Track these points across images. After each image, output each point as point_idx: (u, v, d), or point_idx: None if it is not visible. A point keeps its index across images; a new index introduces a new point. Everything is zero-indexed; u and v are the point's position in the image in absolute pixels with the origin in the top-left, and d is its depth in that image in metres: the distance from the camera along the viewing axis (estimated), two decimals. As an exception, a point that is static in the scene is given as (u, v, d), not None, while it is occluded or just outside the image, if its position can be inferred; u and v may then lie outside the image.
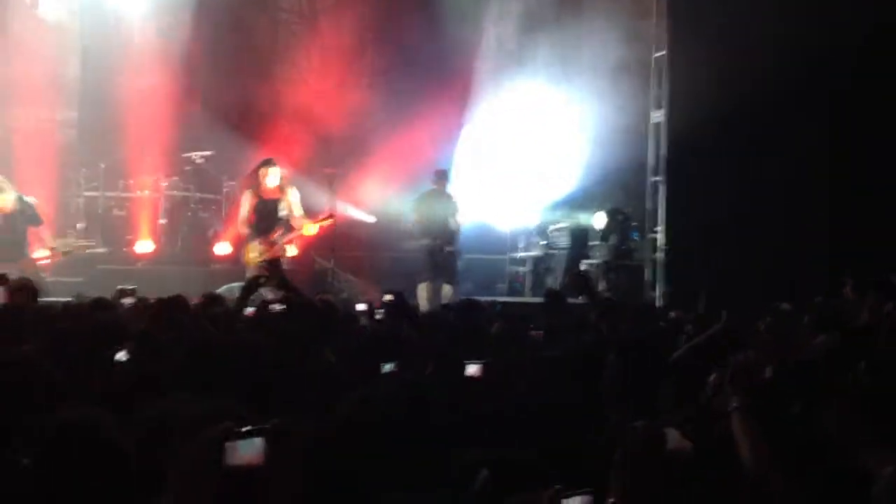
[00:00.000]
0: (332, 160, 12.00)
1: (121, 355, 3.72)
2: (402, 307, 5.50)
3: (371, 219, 11.74)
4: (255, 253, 9.44)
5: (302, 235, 9.62)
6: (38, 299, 5.65)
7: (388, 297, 5.62)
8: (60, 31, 12.02)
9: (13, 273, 6.74)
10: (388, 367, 3.59)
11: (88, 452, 2.33)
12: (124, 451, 2.37)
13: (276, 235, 9.47)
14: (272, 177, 9.46)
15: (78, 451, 2.34)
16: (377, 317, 5.73)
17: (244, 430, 2.08)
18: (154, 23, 11.93)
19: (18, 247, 8.76)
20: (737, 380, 3.00)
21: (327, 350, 4.34)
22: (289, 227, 9.49)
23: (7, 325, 4.33)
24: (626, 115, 11.72)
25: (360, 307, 6.09)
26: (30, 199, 9.67)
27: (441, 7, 12.51)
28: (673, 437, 2.54)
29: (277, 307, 5.61)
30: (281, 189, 9.51)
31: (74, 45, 12.15)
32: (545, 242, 12.21)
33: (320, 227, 9.68)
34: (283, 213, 9.49)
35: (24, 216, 9.05)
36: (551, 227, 12.17)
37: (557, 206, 12.39)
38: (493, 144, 12.78)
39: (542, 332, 5.00)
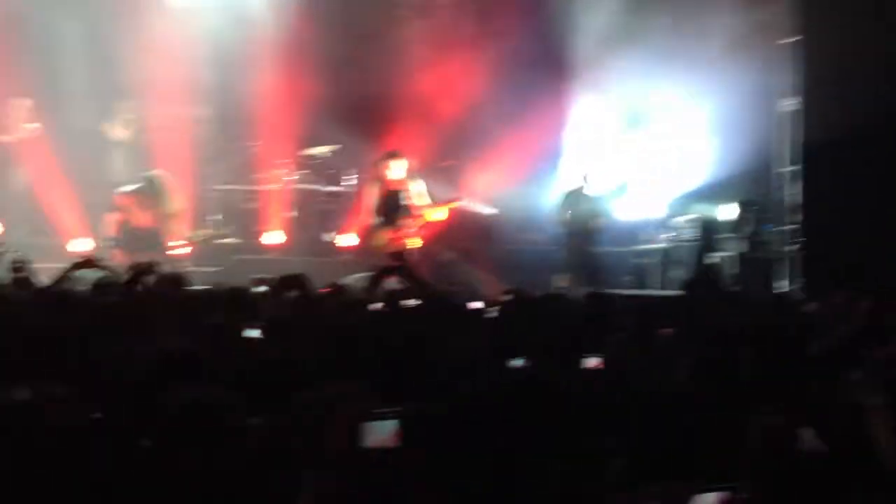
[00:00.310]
0: (451, 152, 12.11)
1: (253, 332, 3.85)
2: (524, 303, 5.49)
3: (491, 210, 11.78)
4: (381, 242, 9.66)
5: (428, 223, 9.81)
6: (183, 288, 5.95)
7: (506, 297, 5.64)
8: (191, 28, 12.53)
9: (164, 266, 7.13)
10: (515, 363, 3.62)
11: (209, 432, 2.34)
12: (250, 432, 2.41)
13: (401, 225, 9.67)
14: (396, 168, 9.67)
15: (198, 430, 2.34)
16: (492, 314, 5.72)
17: (379, 412, 2.14)
18: (275, 18, 12.27)
19: (159, 243, 9.34)
20: (878, 375, 2.89)
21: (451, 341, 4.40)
22: (413, 217, 9.69)
23: (153, 313, 4.56)
24: (749, 103, 11.39)
25: (476, 305, 6.02)
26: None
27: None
28: (808, 436, 2.48)
29: (405, 300, 5.71)
30: (405, 180, 9.71)
31: (205, 41, 12.65)
32: (672, 234, 11.94)
33: (449, 211, 9.87)
34: (406, 202, 9.69)
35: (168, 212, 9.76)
36: (678, 219, 11.90)
37: (683, 196, 12.12)
38: (605, 133, 12.62)
39: (671, 329, 4.91)
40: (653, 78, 12.14)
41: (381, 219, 9.70)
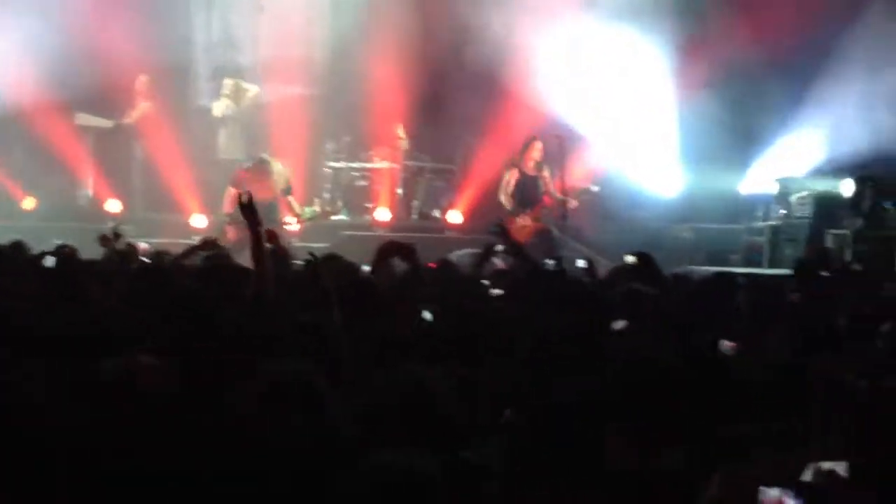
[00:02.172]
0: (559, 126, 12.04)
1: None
2: (649, 268, 5.36)
3: (594, 188, 11.65)
4: (521, 227, 9.97)
5: (562, 207, 10.19)
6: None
7: (631, 259, 5.55)
8: (310, 8, 12.82)
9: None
10: (619, 325, 3.64)
11: (296, 404, 2.44)
12: (331, 407, 2.47)
13: (539, 210, 10.04)
14: (535, 154, 10.15)
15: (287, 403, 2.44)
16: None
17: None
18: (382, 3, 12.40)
19: (274, 218, 9.66)
20: None
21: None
22: (548, 202, 10.19)
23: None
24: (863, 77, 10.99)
25: (581, 264, 6.06)
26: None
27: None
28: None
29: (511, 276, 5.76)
30: (538, 166, 9.97)
31: (321, 20, 12.91)
32: (786, 211, 11.52)
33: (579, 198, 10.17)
34: (542, 189, 10.19)
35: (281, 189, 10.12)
36: (794, 195, 11.46)
37: (799, 171, 11.73)
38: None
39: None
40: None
41: (519, 203, 10.11)
